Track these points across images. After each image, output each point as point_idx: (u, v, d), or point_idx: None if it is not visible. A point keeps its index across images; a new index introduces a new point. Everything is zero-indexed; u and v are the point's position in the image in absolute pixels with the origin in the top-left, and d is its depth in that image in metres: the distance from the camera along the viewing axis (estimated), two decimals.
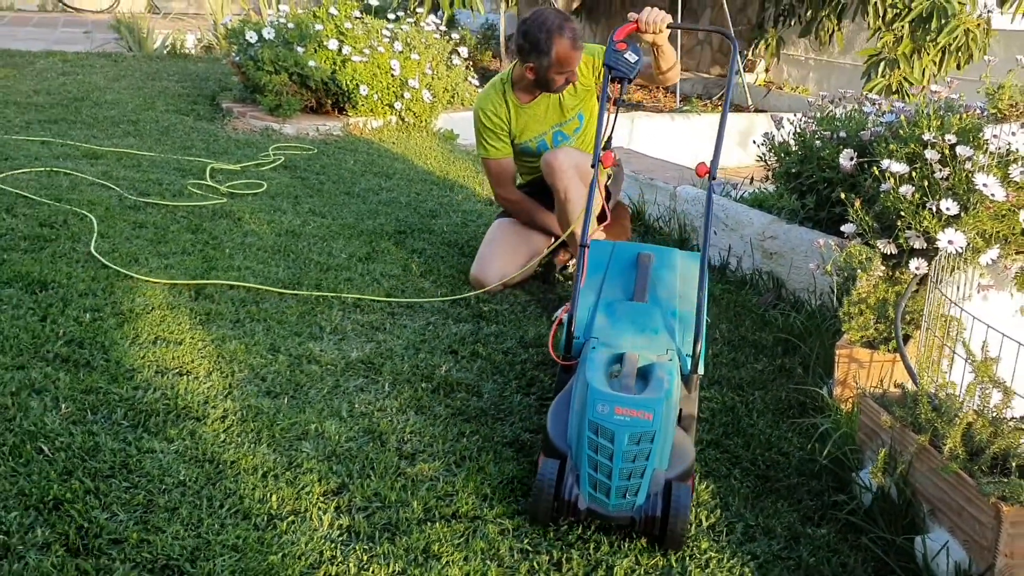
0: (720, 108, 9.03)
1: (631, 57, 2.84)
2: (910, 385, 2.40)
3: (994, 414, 2.10)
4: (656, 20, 2.95)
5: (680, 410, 2.27)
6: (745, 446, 2.57)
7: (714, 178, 2.58)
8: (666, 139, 7.68)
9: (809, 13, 8.38)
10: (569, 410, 2.19)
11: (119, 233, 3.77)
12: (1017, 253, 2.90)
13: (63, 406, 2.42)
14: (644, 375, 2.20)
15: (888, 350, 2.66)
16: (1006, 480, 1.94)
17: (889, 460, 2.18)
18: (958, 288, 2.98)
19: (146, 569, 1.88)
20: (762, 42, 9.26)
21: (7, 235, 3.61)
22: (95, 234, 3.69)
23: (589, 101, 3.54)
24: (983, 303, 3.04)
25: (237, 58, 6.35)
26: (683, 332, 2.42)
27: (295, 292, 3.32)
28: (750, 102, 9.12)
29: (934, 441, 2.12)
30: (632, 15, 2.98)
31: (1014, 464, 2.00)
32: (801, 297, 3.50)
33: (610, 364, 2.24)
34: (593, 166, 2.69)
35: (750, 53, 9.62)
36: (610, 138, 2.85)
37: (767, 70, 9.71)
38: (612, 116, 2.93)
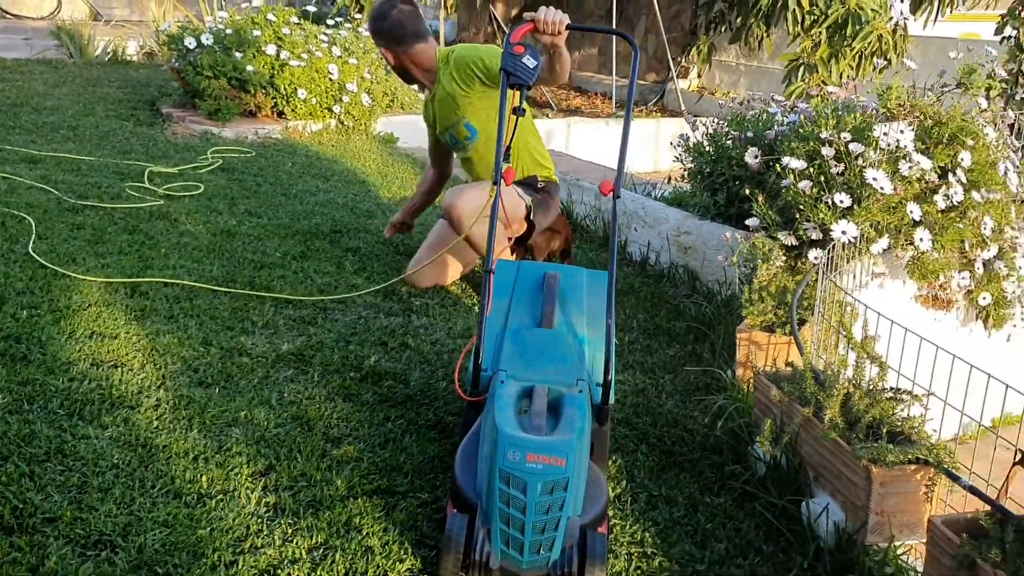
0: (650, 114, 9.28)
1: (529, 62, 2.64)
2: (800, 363, 2.59)
3: (870, 386, 2.30)
4: (556, 20, 2.76)
5: (592, 443, 2.15)
6: (653, 424, 2.75)
7: (618, 196, 2.47)
8: (602, 143, 7.91)
9: (739, 20, 8.65)
10: (478, 454, 2.09)
11: (57, 235, 3.85)
12: (907, 243, 3.12)
13: None
14: (554, 409, 2.11)
15: (784, 333, 2.86)
16: (876, 444, 2.13)
17: (777, 431, 2.37)
18: (855, 276, 3.20)
19: (79, 544, 1.99)
20: (694, 49, 9.53)
21: None
22: (33, 235, 3.76)
23: (479, 112, 3.44)
24: (880, 291, 3.26)
25: (176, 64, 6.42)
26: (592, 360, 2.33)
27: (228, 290, 3.43)
28: (683, 107, 9.38)
29: (818, 413, 2.31)
30: (528, 15, 2.79)
31: (885, 431, 2.19)
32: (712, 288, 3.70)
33: (519, 399, 2.14)
34: (495, 182, 2.52)
35: (683, 59, 9.88)
36: (509, 148, 2.69)
37: (699, 75, 9.98)
38: (512, 125, 2.74)
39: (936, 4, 6.56)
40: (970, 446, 2.55)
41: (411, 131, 6.76)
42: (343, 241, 4.16)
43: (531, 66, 2.65)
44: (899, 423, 2.22)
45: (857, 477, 2.14)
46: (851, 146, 3.07)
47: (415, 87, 3.93)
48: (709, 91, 9.67)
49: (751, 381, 2.85)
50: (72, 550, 1.97)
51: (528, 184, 3.58)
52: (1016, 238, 3.31)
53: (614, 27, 9.60)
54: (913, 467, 2.10)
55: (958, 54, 3.41)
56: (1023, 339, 3.48)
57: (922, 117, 3.20)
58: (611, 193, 2.46)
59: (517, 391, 2.14)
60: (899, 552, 2.13)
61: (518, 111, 2.77)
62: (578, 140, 7.62)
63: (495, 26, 9.14)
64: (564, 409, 2.09)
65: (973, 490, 2.00)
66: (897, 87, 3.11)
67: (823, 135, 3.16)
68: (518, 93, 2.74)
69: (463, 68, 3.40)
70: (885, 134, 3.06)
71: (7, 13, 13.82)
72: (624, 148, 2.53)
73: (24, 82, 7.52)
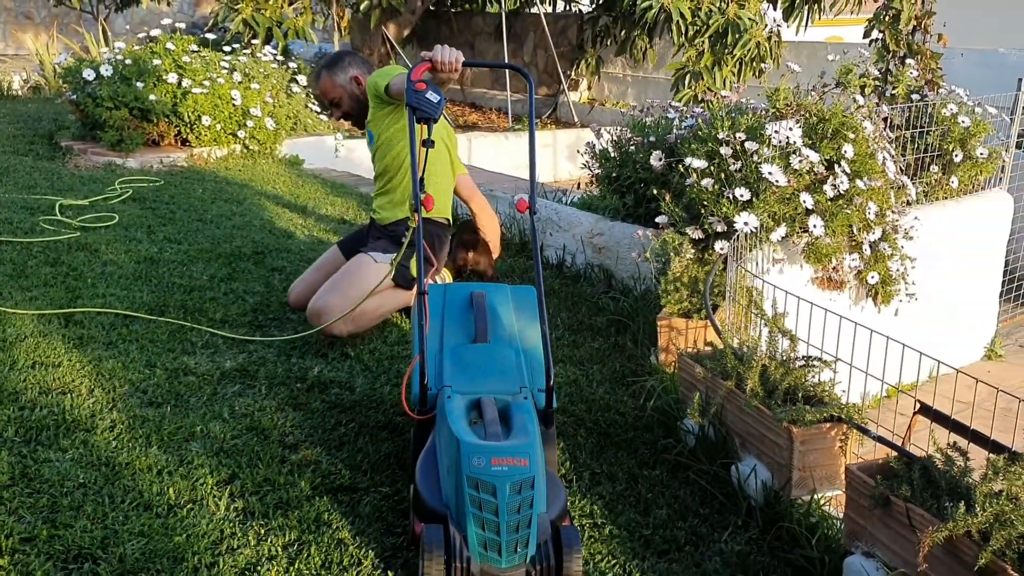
0: (545, 126, 9.57)
1: (432, 97, 2.70)
2: (719, 343, 2.83)
3: (783, 357, 2.55)
4: (452, 60, 2.88)
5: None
6: (588, 410, 2.95)
7: (535, 212, 2.57)
8: (502, 155, 8.16)
9: (623, 33, 9.03)
10: (437, 468, 2.17)
11: None
12: (802, 230, 3.41)
13: None
14: (504, 417, 2.21)
15: (700, 318, 3.10)
16: (794, 407, 2.38)
17: (704, 404, 2.60)
18: (757, 263, 3.47)
19: (60, 560, 2.07)
20: (583, 62, 9.88)
21: None
22: None
23: (377, 120, 3.55)
24: (780, 276, 3.55)
25: (73, 96, 6.35)
26: (530, 368, 2.42)
27: (166, 320, 3.47)
28: (576, 119, 9.71)
29: (739, 385, 2.55)
30: (425, 54, 2.89)
31: (800, 395, 2.45)
32: (628, 284, 3.94)
33: (468, 411, 2.23)
34: (416, 210, 2.58)
35: (572, 73, 10.22)
36: (423, 179, 2.66)
37: (589, 88, 10.34)
38: (423, 157, 2.71)
39: (806, 11, 7.02)
40: (874, 411, 2.84)
41: (315, 152, 6.86)
42: (267, 261, 4.25)
43: (435, 100, 2.71)
44: (812, 388, 2.47)
45: (780, 438, 2.38)
46: (747, 144, 3.35)
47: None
48: (599, 102, 10.03)
49: (674, 364, 3.08)
50: (54, 565, 2.05)
51: (395, 236, 3.58)
52: (896, 221, 3.65)
53: (504, 47, 9.88)
54: (828, 424, 2.36)
55: (835, 56, 3.74)
56: (908, 313, 3.82)
57: (807, 115, 3.50)
58: (528, 210, 2.57)
59: (465, 404, 2.24)
60: (821, 503, 2.38)
61: (427, 143, 2.74)
62: (480, 153, 7.84)
63: (387, 47, 9.28)
64: (514, 415, 2.20)
65: (881, 439, 2.26)
66: (784, 88, 3.41)
67: (720, 136, 3.43)
68: (425, 127, 2.73)
69: (372, 84, 3.49)
70: (776, 132, 3.35)
71: None
72: (533, 166, 2.66)
73: None
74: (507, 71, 10.38)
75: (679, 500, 2.50)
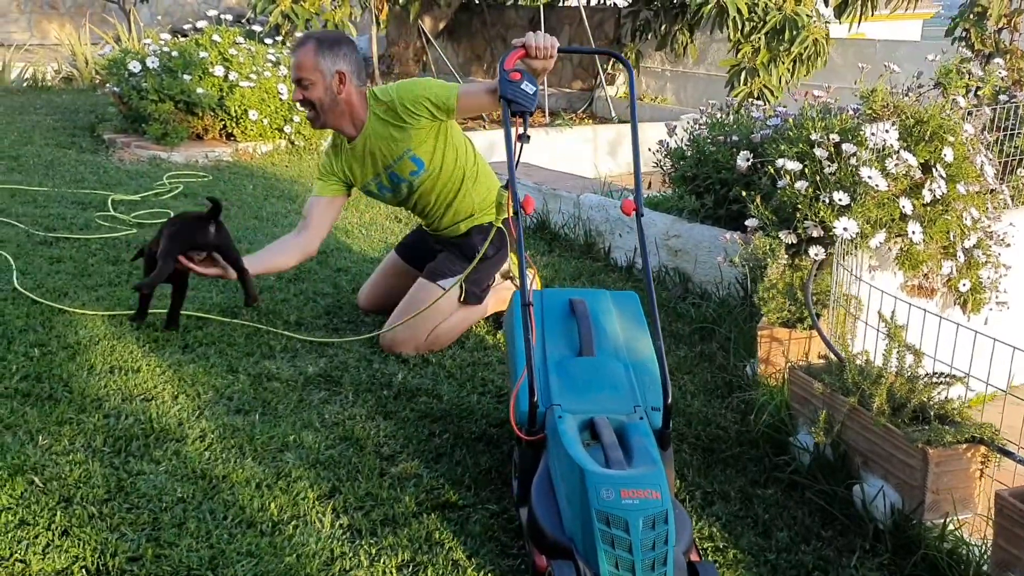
0: (581, 120, 9.44)
1: (528, 88, 2.60)
2: (830, 357, 2.71)
3: (909, 373, 2.43)
4: (547, 45, 2.72)
5: None
6: (687, 424, 2.84)
7: (642, 215, 2.47)
8: (541, 151, 8.01)
9: (664, 28, 8.89)
10: (554, 495, 2.05)
11: (38, 269, 3.73)
12: (897, 236, 3.29)
13: (39, 438, 2.45)
14: (619, 440, 2.07)
15: (804, 328, 2.98)
16: (927, 427, 2.26)
17: (827, 422, 2.48)
18: (850, 270, 3.35)
19: None
20: None
21: None
22: (14, 271, 3.64)
23: (424, 143, 3.16)
24: (872, 283, 3.42)
25: (117, 88, 6.25)
26: (641, 385, 2.27)
27: (240, 322, 3.36)
28: (613, 113, 9.58)
29: (862, 401, 2.43)
30: (517, 40, 2.74)
31: (932, 414, 2.33)
32: (707, 289, 3.82)
33: (581, 433, 2.10)
34: (515, 212, 2.41)
35: (609, 67, 10.08)
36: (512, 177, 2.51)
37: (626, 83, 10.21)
38: (518, 152, 2.59)
39: (859, 8, 6.88)
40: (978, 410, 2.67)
41: None
42: (330, 261, 4.14)
43: (530, 92, 2.61)
44: (941, 406, 2.35)
45: (913, 459, 2.26)
46: (843, 146, 3.23)
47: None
48: (638, 97, 9.89)
49: (774, 375, 2.96)
50: None
51: (455, 256, 3.35)
52: (990, 227, 3.52)
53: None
54: (965, 445, 2.24)
55: (935, 56, 3.62)
56: (999, 322, 3.70)
57: (904, 116, 3.38)
58: (634, 212, 2.46)
59: (577, 425, 2.11)
60: (956, 528, 2.26)
61: (523, 138, 2.64)
62: (525, 149, 7.71)
63: (423, 40, 9.17)
64: (631, 439, 2.07)
65: None
66: (881, 89, 3.29)
67: (813, 137, 3.31)
68: (520, 120, 2.64)
69: (411, 101, 3.07)
70: (873, 134, 3.23)
71: None
72: (637, 165, 2.55)
73: None
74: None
75: (798, 522, 2.38)
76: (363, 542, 2.16)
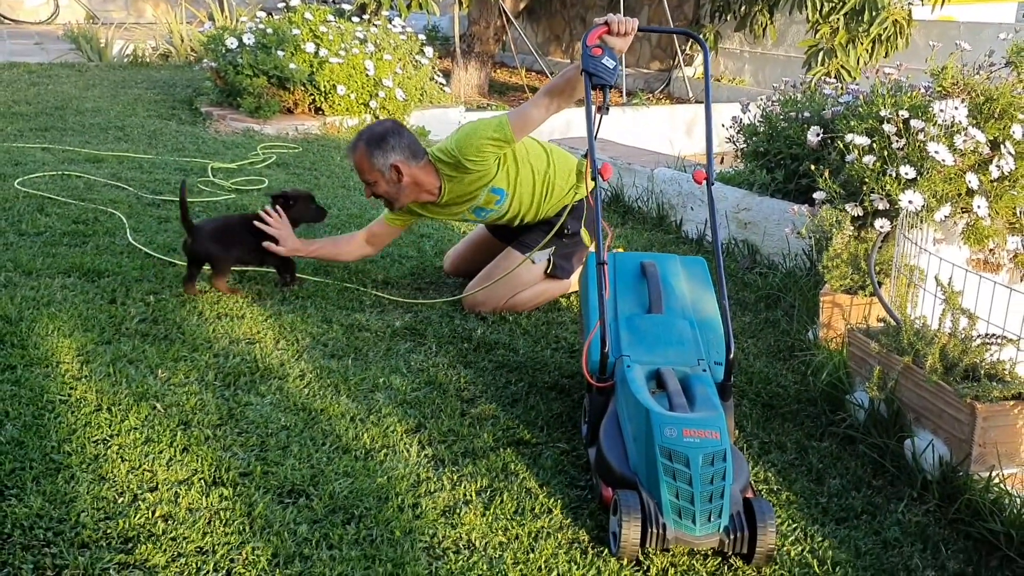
0: (658, 101, 9.53)
1: (609, 62, 2.74)
2: (889, 320, 2.85)
3: (963, 335, 2.56)
4: (628, 21, 2.86)
5: None
6: (748, 382, 3.00)
7: (712, 183, 2.65)
8: (622, 129, 8.15)
9: (743, 8, 8.93)
10: (622, 435, 2.24)
11: (148, 227, 4.05)
12: (963, 211, 3.38)
13: (159, 372, 2.73)
14: (684, 389, 2.26)
15: (865, 295, 3.11)
16: (977, 384, 2.39)
17: (881, 378, 2.63)
18: (916, 243, 3.46)
19: (276, 493, 2.22)
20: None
21: (47, 232, 3.86)
22: (127, 229, 3.96)
23: (498, 173, 3.32)
24: (937, 256, 3.52)
25: (214, 64, 6.59)
26: (706, 341, 2.46)
27: (333, 281, 3.63)
28: (691, 94, 9.65)
29: (916, 361, 2.57)
30: (599, 19, 2.89)
31: (982, 373, 2.45)
32: (775, 260, 3.95)
33: (647, 382, 2.28)
34: (593, 178, 2.61)
35: (688, 48, 10.15)
36: (591, 149, 2.69)
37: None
38: (597, 123, 2.76)
39: None
40: None
41: (440, 125, 6.99)
42: (414, 227, 4.38)
43: (611, 66, 2.76)
44: (992, 366, 2.48)
45: (961, 414, 2.39)
46: (911, 123, 3.33)
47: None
48: (715, 78, 9.94)
49: (835, 339, 3.10)
50: (272, 498, 2.20)
51: (546, 231, 3.45)
52: None
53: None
54: (1013, 402, 2.36)
55: (1006, 35, 3.68)
56: None
57: (973, 94, 3.46)
58: (705, 181, 2.64)
59: (644, 374, 2.30)
60: (1001, 480, 2.39)
61: (603, 109, 2.81)
62: (602, 127, 7.87)
63: (504, 19, 9.35)
64: (694, 387, 2.26)
65: None
66: (951, 67, 3.37)
67: (882, 113, 3.42)
68: (600, 93, 2.82)
69: (474, 151, 3.22)
70: (942, 111, 3.32)
71: (6, 19, 13.88)
72: (709, 137, 2.71)
73: (54, 85, 7.67)
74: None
75: (851, 471, 2.54)
76: (446, 470, 2.38)
